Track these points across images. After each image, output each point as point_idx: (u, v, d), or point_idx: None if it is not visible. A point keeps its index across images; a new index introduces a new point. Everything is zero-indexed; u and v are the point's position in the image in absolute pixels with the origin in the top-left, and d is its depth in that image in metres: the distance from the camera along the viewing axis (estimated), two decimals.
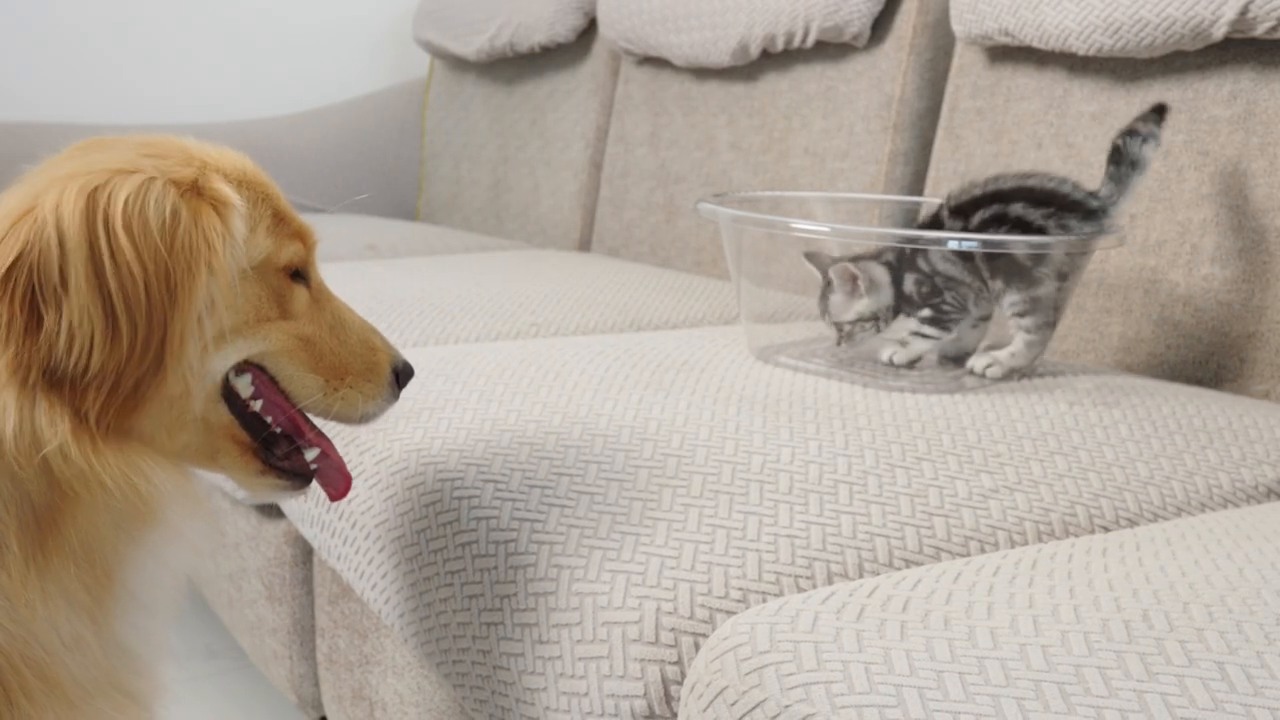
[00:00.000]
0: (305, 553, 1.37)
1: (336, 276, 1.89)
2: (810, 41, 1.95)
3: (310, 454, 0.88)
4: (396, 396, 0.89)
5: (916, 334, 1.31)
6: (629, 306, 1.75)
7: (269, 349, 0.82)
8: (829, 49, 1.97)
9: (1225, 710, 0.59)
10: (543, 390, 1.19)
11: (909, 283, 1.29)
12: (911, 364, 1.32)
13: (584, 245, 2.57)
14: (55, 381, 0.70)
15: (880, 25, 1.88)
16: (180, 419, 0.77)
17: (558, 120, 2.65)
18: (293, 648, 1.38)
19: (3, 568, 0.70)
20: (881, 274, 1.30)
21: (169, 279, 0.71)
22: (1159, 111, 1.27)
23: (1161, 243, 1.45)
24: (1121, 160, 1.25)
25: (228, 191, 0.77)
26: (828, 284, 1.34)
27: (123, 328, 0.70)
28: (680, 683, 0.79)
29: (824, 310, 1.35)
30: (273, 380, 0.84)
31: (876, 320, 1.32)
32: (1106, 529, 0.98)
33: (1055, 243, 1.22)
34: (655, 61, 2.38)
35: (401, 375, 0.90)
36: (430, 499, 1.01)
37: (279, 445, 0.86)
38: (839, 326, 1.33)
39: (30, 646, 0.71)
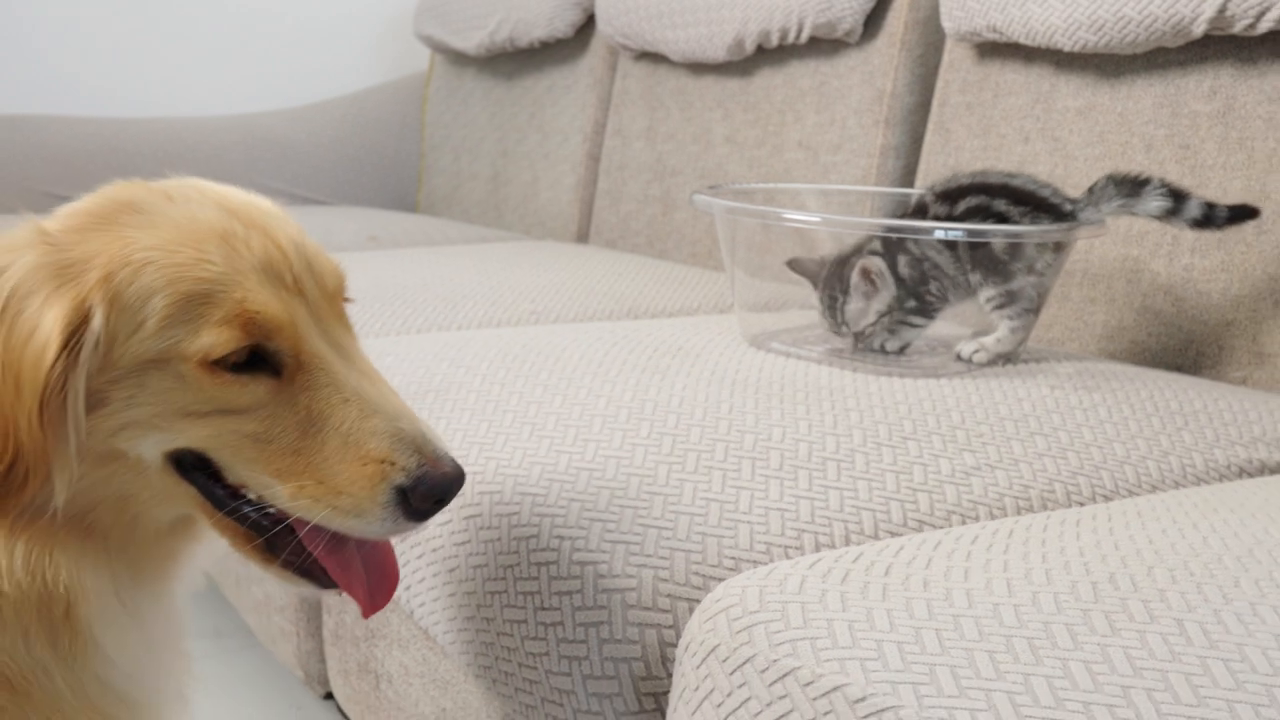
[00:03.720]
0: None
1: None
2: (804, 38, 1.99)
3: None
4: (405, 520, 0.75)
5: (903, 323, 1.34)
6: (626, 295, 1.79)
7: (199, 445, 0.74)
8: (822, 45, 2.01)
9: (1182, 661, 0.64)
10: (543, 374, 1.23)
11: (902, 265, 1.33)
12: (902, 350, 1.35)
13: (582, 237, 2.61)
14: None
15: (872, 22, 1.93)
16: (134, 502, 0.76)
17: (556, 114, 2.69)
18: (299, 624, 1.42)
19: None
20: (882, 265, 1.33)
21: (18, 375, 0.69)
22: (1211, 206, 1.27)
23: (1144, 234, 1.49)
24: (1125, 195, 1.28)
25: (92, 287, 0.70)
26: (832, 294, 1.36)
27: None
28: (675, 645, 0.84)
29: (839, 321, 1.36)
30: None
31: (891, 311, 1.34)
32: (1083, 504, 1.03)
33: (1027, 232, 1.26)
34: (652, 57, 2.42)
35: (413, 496, 0.74)
36: None
37: (288, 535, 0.78)
38: (860, 334, 1.36)
39: (1, 665, 0.73)
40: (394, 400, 0.77)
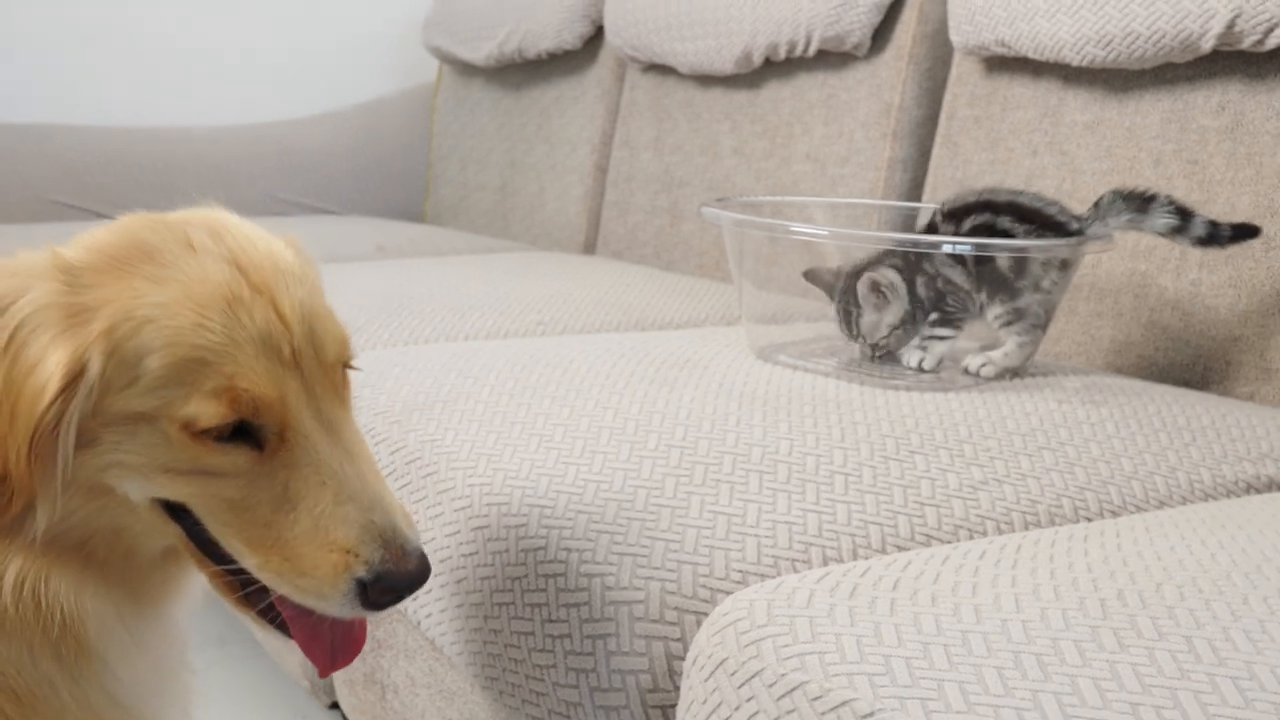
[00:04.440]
0: None
1: (349, 276, 1.94)
2: (812, 50, 2.00)
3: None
4: (361, 609, 0.75)
5: (931, 338, 1.34)
6: (633, 307, 1.79)
7: (176, 499, 0.76)
8: (830, 58, 2.01)
9: (1191, 679, 0.64)
10: (550, 385, 1.23)
11: (919, 284, 1.33)
12: (938, 366, 1.35)
13: (589, 248, 2.61)
14: None
15: (880, 35, 1.93)
16: (126, 534, 0.77)
17: (564, 125, 2.70)
18: None
19: None
20: (896, 277, 1.34)
21: (15, 407, 0.70)
22: (1214, 225, 1.27)
23: (1151, 249, 1.49)
24: (1133, 211, 1.28)
25: (93, 336, 0.71)
26: (847, 306, 1.36)
27: None
28: (683, 658, 0.84)
29: (855, 334, 1.37)
30: None
31: (904, 325, 1.34)
32: (1090, 519, 1.03)
33: (1035, 246, 1.26)
34: (660, 69, 2.43)
35: (372, 590, 0.74)
36: (444, 487, 1.05)
37: (262, 590, 0.79)
38: (875, 346, 1.36)
39: (6, 677, 0.74)
40: (373, 484, 0.77)
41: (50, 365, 0.70)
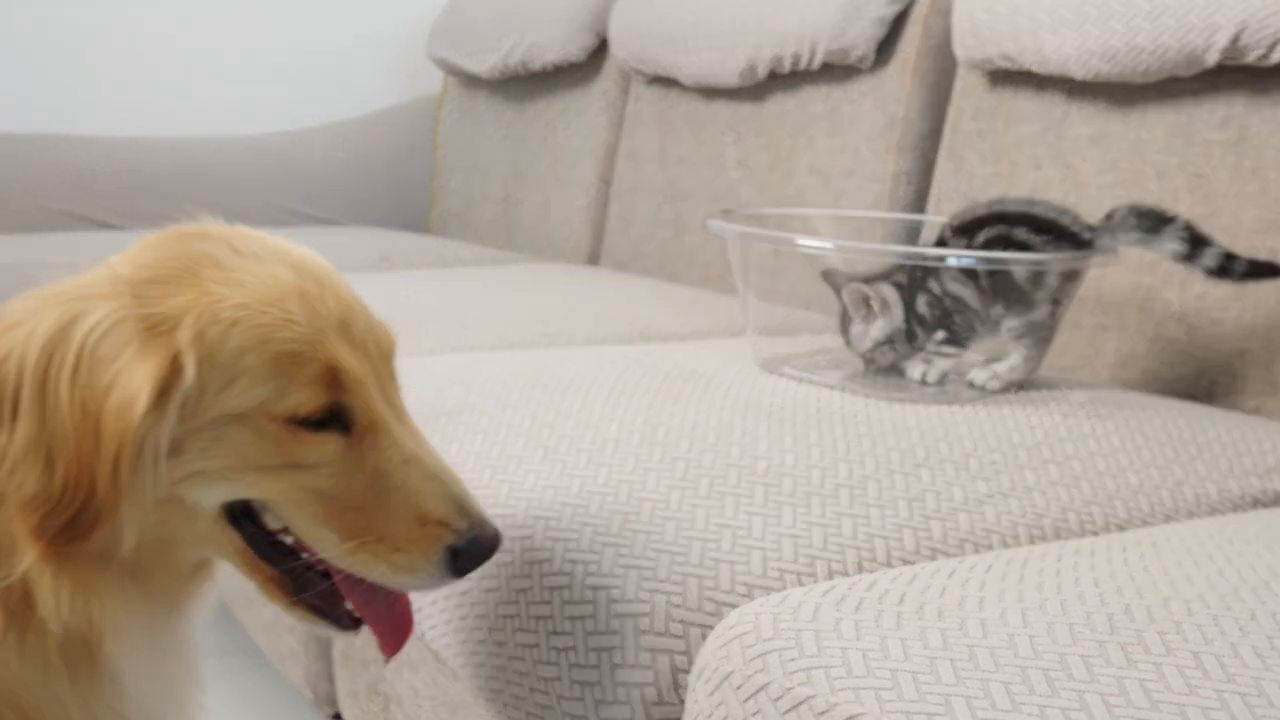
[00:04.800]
0: None
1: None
2: (816, 63, 2.00)
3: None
4: (450, 577, 0.79)
5: (936, 353, 1.34)
6: (638, 319, 1.79)
7: (265, 497, 0.77)
8: (835, 71, 2.02)
9: (1199, 695, 0.63)
10: (555, 397, 1.23)
11: (921, 303, 1.33)
12: (942, 380, 1.35)
13: (593, 259, 2.62)
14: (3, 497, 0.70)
15: (885, 48, 1.93)
16: (174, 544, 0.77)
17: (568, 137, 2.70)
18: (309, 645, 1.42)
19: None
20: (892, 294, 1.34)
21: (98, 424, 0.69)
22: (1229, 257, 1.26)
23: (1157, 262, 1.49)
24: (1145, 230, 1.27)
25: (184, 342, 0.72)
26: (845, 314, 1.37)
27: (56, 464, 0.69)
28: (688, 671, 0.84)
29: (847, 341, 1.38)
30: None
31: (892, 343, 1.34)
32: (1096, 534, 1.03)
33: (1051, 259, 1.26)
34: (664, 81, 2.43)
35: (461, 557, 0.78)
36: None
37: (316, 582, 0.81)
38: (864, 357, 1.37)
39: (14, 695, 0.74)
40: (443, 462, 0.80)
41: (138, 378, 0.70)
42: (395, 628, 0.84)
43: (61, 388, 0.69)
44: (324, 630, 0.83)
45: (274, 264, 0.77)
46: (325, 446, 0.76)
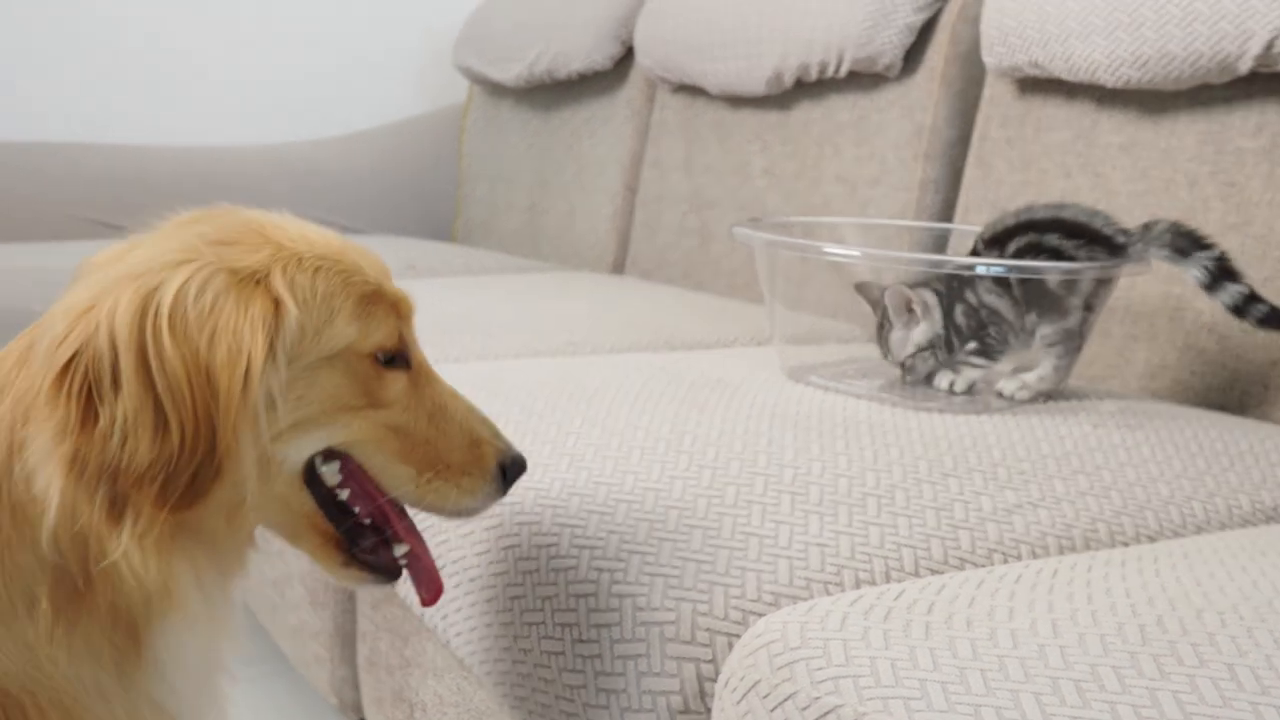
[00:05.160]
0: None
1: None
2: (843, 71, 1.99)
3: (399, 549, 0.87)
4: (503, 492, 0.86)
5: (965, 363, 1.33)
6: (663, 327, 1.79)
7: (353, 439, 0.81)
8: (861, 79, 2.01)
9: (1233, 707, 0.62)
10: (581, 405, 1.23)
11: (958, 313, 1.32)
12: (970, 390, 1.33)
13: (618, 268, 2.61)
14: (111, 475, 0.70)
15: (912, 56, 1.93)
16: (257, 506, 0.78)
17: (593, 145, 2.70)
18: (334, 651, 1.42)
19: (32, 622, 0.73)
20: (932, 299, 1.32)
21: (211, 373, 0.71)
22: (1252, 299, 1.24)
23: None
24: (1176, 250, 1.26)
25: (285, 283, 0.75)
26: (883, 320, 1.36)
27: (171, 424, 0.70)
28: (714, 680, 0.83)
29: (885, 350, 1.37)
30: (363, 468, 0.83)
31: (934, 349, 1.33)
32: (1127, 545, 1.01)
33: (1086, 268, 1.25)
34: (690, 89, 2.43)
35: (510, 471, 0.86)
36: None
37: (365, 536, 0.86)
38: (902, 365, 1.36)
39: (57, 691, 0.74)
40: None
41: (245, 326, 0.72)
42: (429, 581, 0.89)
43: (165, 349, 0.70)
44: (373, 584, 0.87)
45: (311, 228, 0.82)
46: (396, 383, 0.82)
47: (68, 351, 0.70)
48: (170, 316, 0.71)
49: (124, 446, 0.70)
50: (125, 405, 0.69)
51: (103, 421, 0.70)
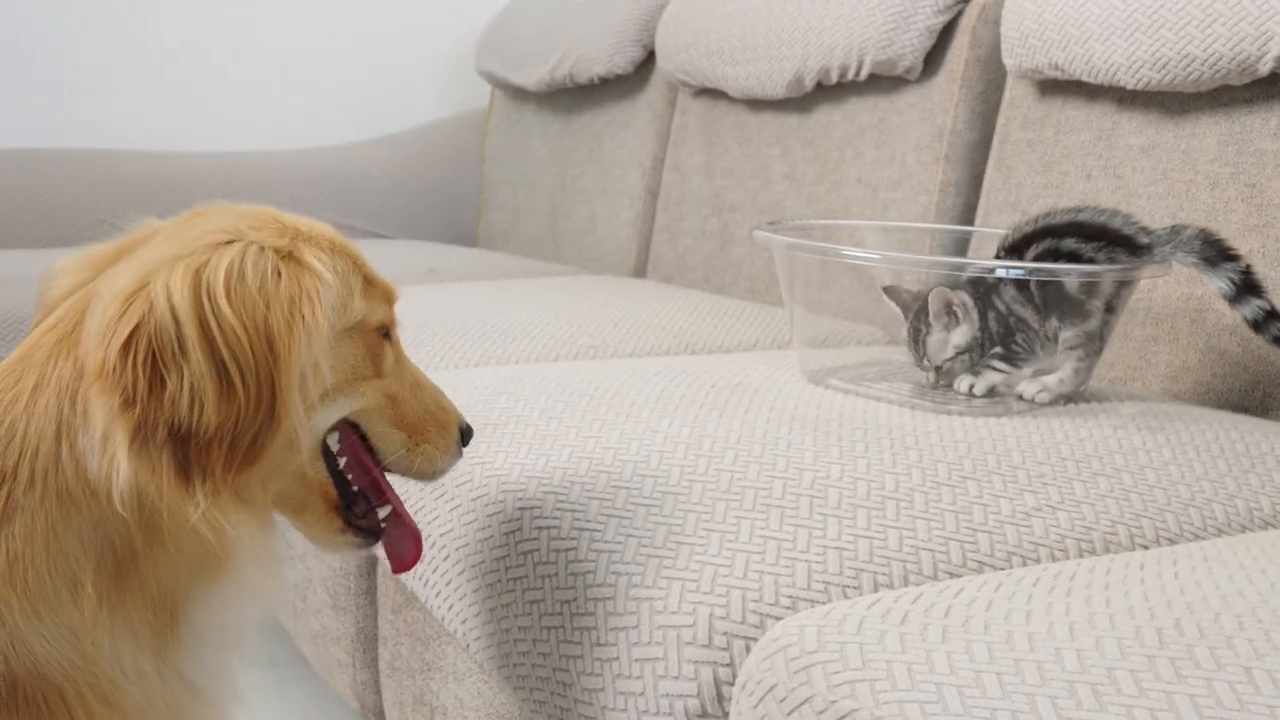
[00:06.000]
0: (369, 563, 1.42)
1: (401, 299, 1.95)
2: (864, 74, 1.99)
3: (382, 513, 0.93)
4: (461, 454, 0.95)
5: (989, 366, 1.32)
6: (684, 330, 1.79)
7: (364, 406, 0.88)
8: (882, 82, 2.01)
9: (1250, 711, 0.62)
10: (601, 408, 1.23)
11: (991, 319, 1.31)
12: (990, 393, 1.33)
13: (639, 272, 2.62)
14: (180, 439, 0.74)
15: (932, 59, 1.92)
16: (279, 472, 0.83)
17: (615, 149, 2.71)
18: (356, 655, 1.43)
19: (76, 606, 0.75)
20: (970, 301, 1.31)
21: (270, 338, 0.76)
22: (1272, 316, 1.24)
23: None
24: (1203, 259, 1.26)
25: (318, 259, 0.82)
26: (917, 325, 1.34)
27: (236, 385, 0.75)
28: (731, 683, 0.83)
29: (920, 355, 1.35)
30: (361, 438, 0.89)
31: (970, 352, 1.32)
32: (1146, 547, 1.01)
33: (1100, 271, 1.25)
34: (711, 93, 2.43)
35: (465, 434, 0.95)
36: (493, 510, 1.05)
37: (358, 504, 0.91)
38: (939, 369, 1.34)
39: (95, 676, 0.76)
40: None
41: (297, 293, 0.78)
42: (408, 547, 0.95)
43: (226, 318, 0.75)
44: (359, 548, 0.92)
45: (310, 220, 0.87)
46: (389, 356, 0.89)
47: (129, 325, 0.73)
48: (226, 288, 0.75)
49: (192, 409, 0.74)
50: (192, 370, 0.73)
51: (170, 386, 0.73)
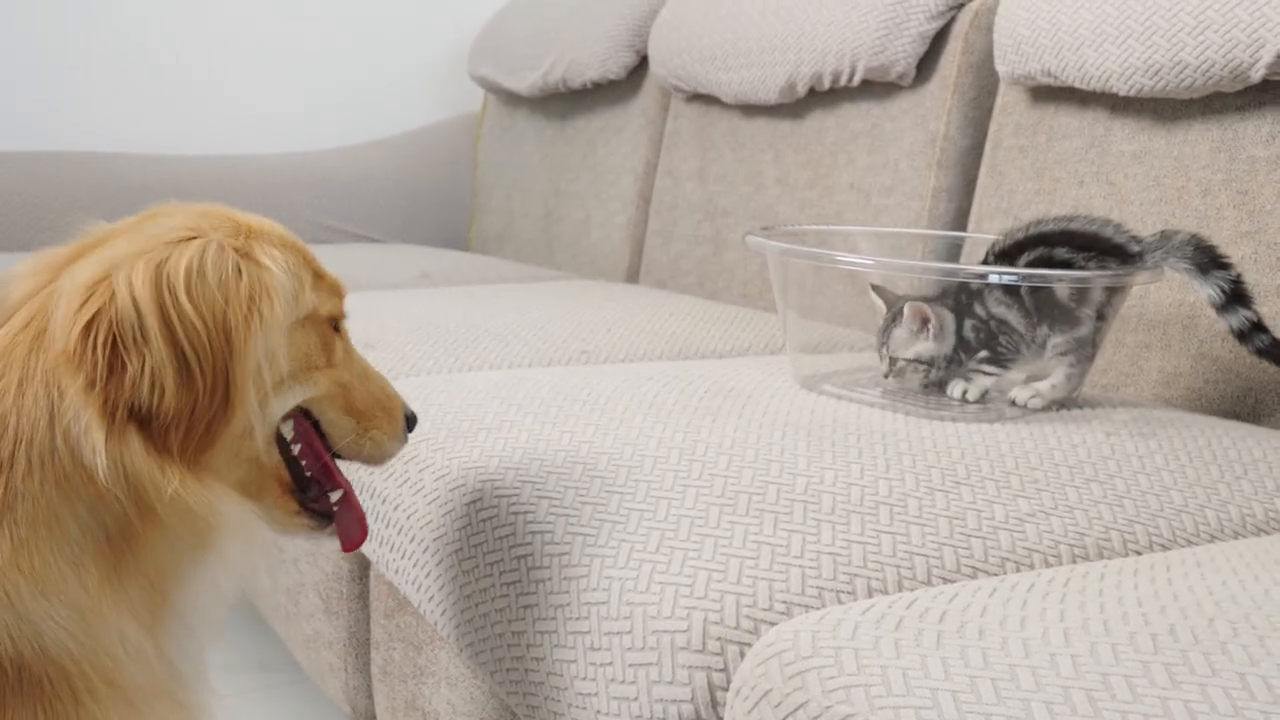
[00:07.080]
0: (362, 567, 1.42)
1: (393, 304, 1.95)
2: (856, 80, 2.00)
3: (334, 496, 0.97)
4: (406, 440, 0.99)
5: (977, 371, 1.33)
6: (677, 336, 1.79)
7: (316, 394, 0.92)
8: (875, 87, 2.01)
9: (1244, 716, 0.62)
10: (594, 413, 1.23)
11: (967, 328, 1.32)
12: (982, 398, 1.33)
13: (632, 276, 2.62)
14: (141, 420, 0.78)
15: (925, 65, 1.93)
16: (237, 458, 0.86)
17: (608, 154, 2.71)
18: (348, 660, 1.43)
19: (82, 586, 0.77)
20: (950, 320, 1.32)
21: (228, 332, 0.80)
22: (1258, 328, 1.25)
23: None
24: (1194, 264, 1.26)
25: (270, 256, 0.85)
26: (893, 318, 1.36)
27: (195, 375, 0.78)
28: (726, 689, 0.83)
29: (882, 342, 1.37)
30: (313, 425, 0.94)
31: (932, 365, 1.33)
32: (1140, 553, 1.01)
33: (1094, 277, 1.25)
34: (704, 98, 2.44)
35: (410, 421, 1.00)
36: (487, 514, 1.05)
37: (311, 489, 0.95)
38: (893, 361, 1.35)
39: (98, 655, 0.77)
40: None
41: (254, 286, 0.82)
42: (355, 529, 0.99)
43: (185, 311, 0.78)
44: (312, 531, 0.95)
45: (261, 218, 0.91)
46: (339, 347, 0.93)
47: (90, 311, 0.77)
48: (187, 284, 0.79)
49: (153, 393, 0.77)
50: (151, 356, 0.77)
51: (131, 368, 0.77)
